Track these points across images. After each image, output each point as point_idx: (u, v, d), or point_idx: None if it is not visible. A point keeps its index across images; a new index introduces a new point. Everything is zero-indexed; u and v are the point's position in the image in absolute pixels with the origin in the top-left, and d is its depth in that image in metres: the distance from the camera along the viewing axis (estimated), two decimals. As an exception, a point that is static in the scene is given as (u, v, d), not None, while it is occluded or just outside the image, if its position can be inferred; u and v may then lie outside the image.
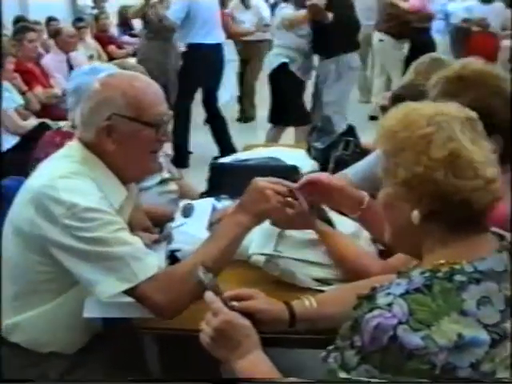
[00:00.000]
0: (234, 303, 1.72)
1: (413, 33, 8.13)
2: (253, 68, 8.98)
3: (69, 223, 1.92)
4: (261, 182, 2.08)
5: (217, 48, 6.81)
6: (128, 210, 2.23)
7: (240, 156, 3.67)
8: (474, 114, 1.50)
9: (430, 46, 7.81)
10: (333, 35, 6.00)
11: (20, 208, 2.04)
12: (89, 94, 2.11)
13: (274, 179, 2.13)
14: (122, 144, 2.07)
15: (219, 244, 2.02)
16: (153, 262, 1.98)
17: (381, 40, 8.43)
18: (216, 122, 7.26)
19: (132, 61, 5.16)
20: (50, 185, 1.97)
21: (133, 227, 2.26)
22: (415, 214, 1.43)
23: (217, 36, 6.79)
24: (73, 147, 2.14)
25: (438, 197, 1.40)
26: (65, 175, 2.01)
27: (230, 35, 8.25)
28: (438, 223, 1.44)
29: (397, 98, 2.34)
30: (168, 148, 3.74)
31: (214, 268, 1.93)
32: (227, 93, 8.69)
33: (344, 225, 2.37)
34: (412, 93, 2.24)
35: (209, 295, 1.67)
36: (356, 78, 7.05)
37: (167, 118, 2.16)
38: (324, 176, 2.32)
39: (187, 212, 2.76)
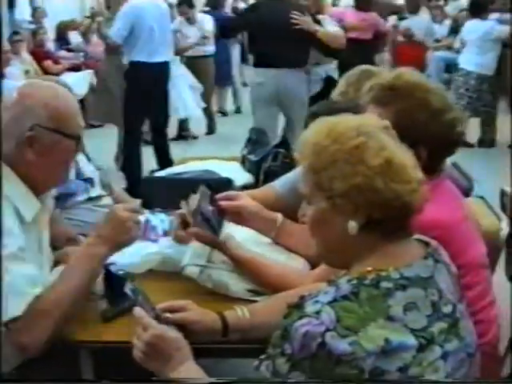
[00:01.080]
0: (167, 315, 1.72)
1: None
2: (203, 82, 8.95)
3: None
4: (120, 212, 2.09)
5: (161, 66, 6.77)
6: (44, 221, 2.23)
7: (175, 169, 3.66)
8: (387, 123, 1.53)
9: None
10: None
11: None
12: (8, 105, 2.08)
13: (133, 205, 2.18)
14: (43, 155, 2.06)
15: (76, 281, 2.02)
16: (31, 293, 1.95)
17: None
18: (158, 139, 7.23)
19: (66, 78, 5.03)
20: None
21: (56, 239, 2.28)
22: (352, 225, 1.43)
23: (162, 54, 6.74)
24: None
25: (378, 204, 1.42)
26: None
27: (177, 52, 8.20)
28: (373, 232, 1.45)
29: (314, 115, 2.37)
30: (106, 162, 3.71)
31: (73, 302, 1.99)
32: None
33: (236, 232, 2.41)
34: (327, 110, 2.27)
35: (137, 310, 1.66)
36: None
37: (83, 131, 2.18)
38: (242, 199, 2.40)
39: None
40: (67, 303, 1.99)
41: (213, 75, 9.40)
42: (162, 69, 6.79)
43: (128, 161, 6.74)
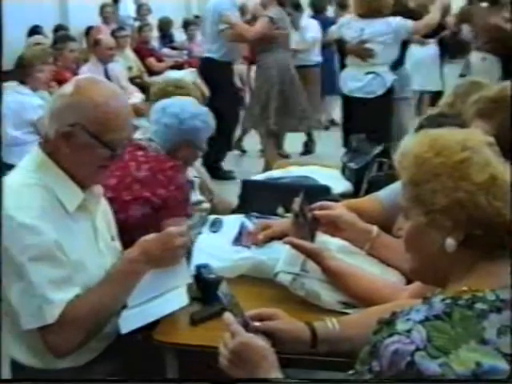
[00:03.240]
0: (256, 323, 1.75)
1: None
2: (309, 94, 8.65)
3: (8, 237, 1.98)
4: (174, 238, 2.14)
5: None
6: (97, 210, 2.28)
7: (273, 174, 3.70)
8: (492, 139, 1.51)
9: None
10: None
11: None
12: (65, 92, 2.12)
13: (185, 228, 2.24)
14: (76, 152, 2.10)
15: (113, 295, 2.11)
16: (63, 299, 2.02)
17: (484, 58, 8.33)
18: None
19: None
20: (1, 200, 2.03)
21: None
22: (450, 242, 1.43)
23: None
24: (32, 153, 2.19)
25: (478, 221, 1.41)
26: (14, 188, 2.07)
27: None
28: (472, 250, 1.44)
29: (420, 127, 2.36)
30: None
31: (107, 314, 2.10)
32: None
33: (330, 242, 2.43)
34: (432, 123, 2.25)
35: (227, 316, 1.68)
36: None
37: (127, 143, 2.21)
38: (337, 209, 2.43)
39: (215, 227, 2.81)
40: (101, 315, 2.10)
41: (319, 86, 8.97)
42: None
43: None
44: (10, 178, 2.14)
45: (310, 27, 8.85)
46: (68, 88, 2.12)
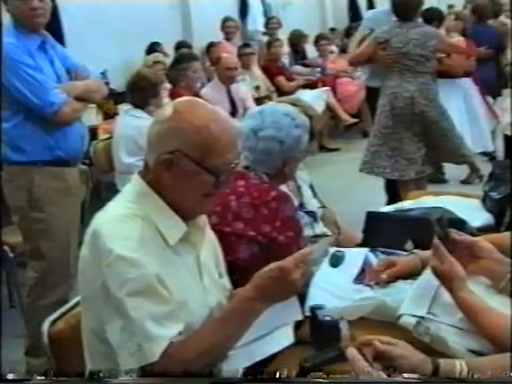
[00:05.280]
0: (377, 343, 1.82)
1: None
2: None
3: (106, 271, 2.04)
4: (292, 273, 2.08)
5: None
6: (200, 246, 2.30)
7: (404, 205, 3.68)
8: None
9: None
10: None
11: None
12: (163, 117, 2.17)
13: (306, 254, 2.16)
14: (178, 180, 2.15)
15: (226, 335, 2.11)
16: (166, 336, 2.04)
17: None
18: None
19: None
20: (98, 229, 2.09)
21: None
22: None
23: None
24: (132, 181, 2.24)
25: None
26: (112, 219, 2.13)
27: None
28: None
29: None
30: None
31: (219, 355, 2.11)
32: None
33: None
34: None
35: (351, 352, 1.73)
36: None
37: (233, 166, 2.22)
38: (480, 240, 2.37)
39: (336, 261, 2.81)
40: (211, 357, 2.10)
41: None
42: None
43: None
44: (109, 208, 2.21)
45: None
46: (166, 112, 2.17)
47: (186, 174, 2.14)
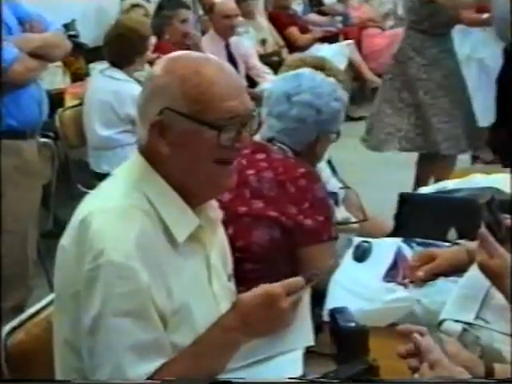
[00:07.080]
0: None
1: None
2: None
3: (90, 275, 2.00)
4: (281, 302, 2.07)
5: None
6: (212, 245, 2.27)
7: (449, 184, 3.67)
8: None
9: None
10: None
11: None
12: (151, 76, 2.17)
13: (298, 282, 2.12)
14: (177, 147, 2.10)
15: (203, 363, 2.10)
16: (140, 374, 2.02)
17: None
18: None
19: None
20: (88, 219, 2.05)
21: None
22: None
23: None
24: (131, 160, 2.22)
25: None
26: (107, 209, 2.09)
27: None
28: None
29: None
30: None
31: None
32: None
33: None
34: None
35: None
36: None
37: (244, 119, 2.15)
38: None
39: (361, 254, 2.82)
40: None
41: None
42: None
43: None
44: (104, 194, 2.18)
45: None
46: (154, 71, 2.17)
47: (184, 136, 2.09)
